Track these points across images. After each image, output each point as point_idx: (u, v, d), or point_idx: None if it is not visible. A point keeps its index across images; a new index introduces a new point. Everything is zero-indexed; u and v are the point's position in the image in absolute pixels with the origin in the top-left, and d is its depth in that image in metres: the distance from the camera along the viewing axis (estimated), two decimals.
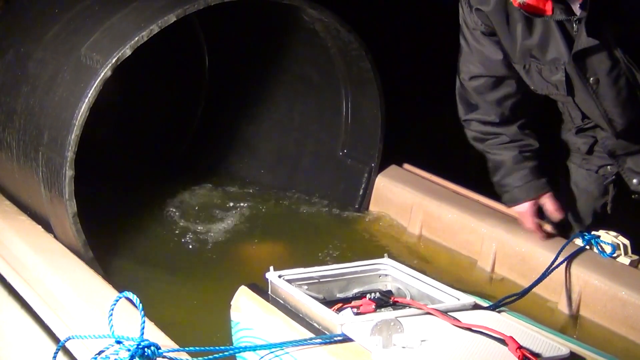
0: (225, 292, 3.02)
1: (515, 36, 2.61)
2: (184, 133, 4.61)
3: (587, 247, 2.92)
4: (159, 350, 2.05)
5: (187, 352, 2.15)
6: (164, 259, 3.39)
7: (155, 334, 2.29)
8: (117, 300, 2.14)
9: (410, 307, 2.37)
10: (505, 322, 2.29)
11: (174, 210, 3.78)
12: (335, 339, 2.19)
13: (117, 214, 3.70)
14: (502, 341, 2.11)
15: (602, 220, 3.08)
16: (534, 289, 2.83)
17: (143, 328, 2.06)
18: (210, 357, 2.10)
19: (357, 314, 2.35)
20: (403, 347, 2.10)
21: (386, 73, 3.65)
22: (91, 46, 3.15)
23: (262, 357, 2.20)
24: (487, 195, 3.33)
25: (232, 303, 2.47)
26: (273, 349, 2.17)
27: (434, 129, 4.42)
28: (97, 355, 2.06)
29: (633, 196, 2.91)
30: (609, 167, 3.00)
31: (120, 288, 2.90)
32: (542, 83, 2.68)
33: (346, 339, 2.19)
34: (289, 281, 2.48)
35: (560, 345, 2.16)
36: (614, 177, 3.01)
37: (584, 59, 2.51)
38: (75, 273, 2.77)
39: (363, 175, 3.80)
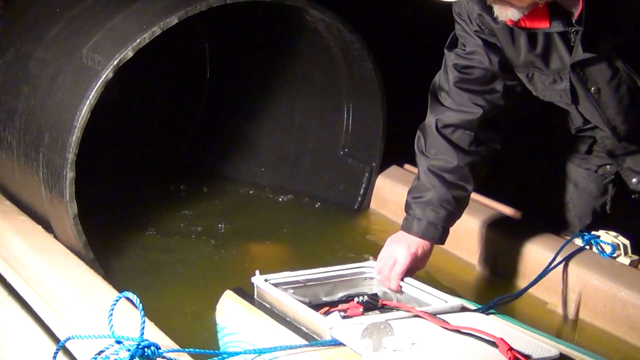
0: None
1: (519, 48, 2.60)
2: (184, 132, 4.61)
3: (587, 247, 2.91)
4: (159, 350, 2.05)
5: (187, 353, 2.15)
6: (164, 259, 3.39)
7: (155, 334, 2.28)
8: (117, 300, 2.14)
9: (398, 310, 2.36)
10: (494, 324, 2.28)
11: (174, 210, 3.78)
12: (325, 342, 2.18)
13: (118, 214, 3.70)
14: (492, 343, 2.10)
15: (602, 220, 3.07)
16: (534, 290, 2.83)
17: (143, 328, 2.06)
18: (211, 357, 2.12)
19: (344, 317, 2.34)
20: (394, 350, 2.09)
21: (388, 73, 3.65)
22: (93, 47, 3.15)
23: None
24: (487, 196, 3.33)
25: (217, 307, 2.46)
26: (263, 354, 2.16)
27: None
28: (97, 355, 2.06)
29: (633, 196, 2.90)
30: (608, 166, 2.99)
31: (120, 288, 2.91)
32: (546, 91, 2.67)
33: (336, 343, 2.18)
34: (275, 285, 2.47)
35: (550, 346, 2.16)
36: (613, 176, 3.00)
37: (583, 69, 2.50)
38: (75, 273, 2.76)
39: (364, 175, 3.81)
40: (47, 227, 3.15)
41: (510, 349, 2.06)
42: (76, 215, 3.01)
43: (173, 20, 3.08)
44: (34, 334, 2.59)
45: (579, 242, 2.93)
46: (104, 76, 3.01)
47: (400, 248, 2.64)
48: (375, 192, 3.79)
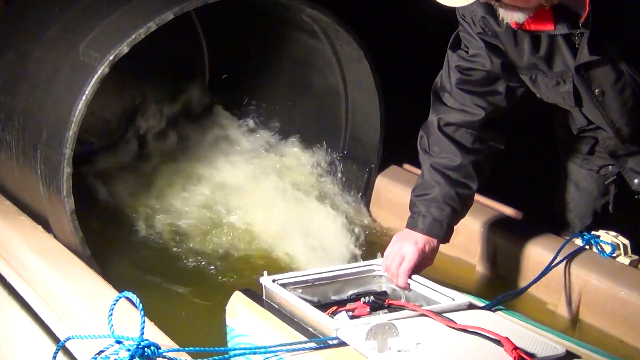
0: (225, 292, 3.03)
1: (522, 51, 2.58)
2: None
3: (587, 247, 2.90)
4: (159, 350, 2.05)
5: (187, 352, 2.15)
6: (164, 259, 3.39)
7: (155, 334, 2.29)
8: (117, 300, 2.14)
9: (405, 309, 2.37)
10: (501, 322, 2.29)
11: (174, 209, 3.77)
12: (331, 343, 2.19)
13: (118, 214, 3.69)
14: (497, 342, 2.11)
15: (602, 220, 3.08)
16: (534, 289, 2.83)
17: (143, 328, 2.06)
18: (211, 358, 2.11)
19: (352, 317, 2.34)
20: (399, 351, 2.09)
21: (386, 73, 3.64)
22: (89, 44, 3.15)
23: None
24: (487, 196, 3.33)
25: (226, 309, 2.46)
26: (268, 354, 2.16)
27: None
28: (97, 355, 2.06)
29: (637, 197, 2.89)
30: (610, 167, 2.98)
31: (119, 287, 2.90)
32: (549, 93, 2.65)
33: (341, 344, 2.18)
34: (283, 285, 2.47)
35: (556, 344, 2.16)
36: (614, 177, 3.00)
37: (587, 71, 2.48)
38: (75, 273, 2.76)
39: (363, 175, 3.81)
40: (47, 226, 3.15)
41: (515, 347, 2.06)
42: (73, 211, 3.01)
43: (168, 16, 3.07)
44: (34, 334, 2.60)
45: (578, 242, 2.93)
46: (99, 72, 3.01)
47: (407, 245, 2.64)
48: (375, 192, 3.78)
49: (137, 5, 3.21)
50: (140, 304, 2.09)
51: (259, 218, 3.61)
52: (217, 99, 4.44)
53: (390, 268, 2.60)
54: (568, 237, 2.97)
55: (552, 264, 2.80)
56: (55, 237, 3.10)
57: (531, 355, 2.07)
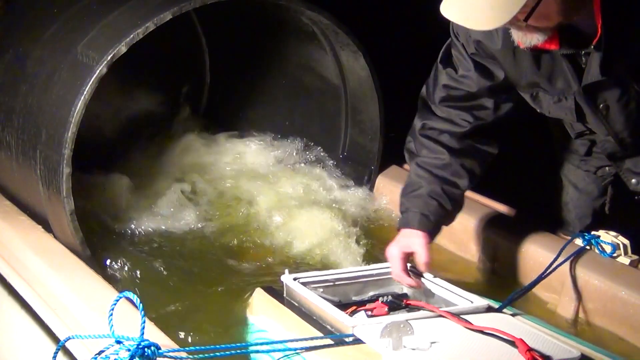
0: (224, 291, 3.04)
1: (522, 69, 2.57)
2: None
3: (587, 247, 2.91)
4: (159, 350, 2.06)
5: (187, 352, 2.15)
6: (164, 258, 3.39)
7: (155, 334, 2.29)
8: (117, 300, 2.14)
9: (422, 310, 2.40)
10: (517, 325, 2.31)
11: (174, 209, 3.77)
12: (347, 340, 2.23)
13: (118, 214, 3.69)
14: (512, 343, 2.13)
15: (602, 220, 3.08)
16: (534, 289, 2.84)
17: (143, 328, 2.07)
18: (211, 354, 2.12)
19: (370, 316, 2.38)
20: (413, 349, 2.12)
21: (385, 73, 3.64)
22: (87, 44, 3.16)
23: (274, 358, 2.22)
24: (487, 196, 3.33)
25: (248, 305, 2.51)
26: (287, 351, 2.19)
27: None
28: (97, 355, 2.07)
29: (636, 197, 2.89)
30: (607, 168, 2.98)
31: (119, 287, 2.91)
32: (551, 108, 2.64)
33: (357, 341, 2.22)
34: (304, 284, 2.50)
35: (572, 348, 2.17)
36: (612, 177, 3.00)
37: (594, 89, 2.48)
38: (75, 273, 2.76)
39: (363, 176, 3.81)
40: (47, 226, 3.15)
41: (529, 349, 2.09)
42: (73, 211, 3.01)
43: (167, 16, 3.08)
44: (34, 334, 2.60)
45: (579, 242, 2.93)
46: (98, 71, 3.01)
47: (393, 248, 2.66)
48: (375, 193, 3.79)
49: (135, 6, 3.22)
50: (141, 304, 2.10)
51: (261, 220, 3.63)
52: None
53: (394, 272, 2.62)
54: (568, 237, 2.97)
55: (557, 263, 2.80)
56: (55, 237, 3.10)
57: (545, 357, 2.09)
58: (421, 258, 2.60)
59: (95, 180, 3.79)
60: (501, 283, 3.10)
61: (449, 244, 3.09)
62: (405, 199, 2.75)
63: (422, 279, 2.63)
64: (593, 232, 2.94)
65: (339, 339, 2.23)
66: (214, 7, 3.22)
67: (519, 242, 3.07)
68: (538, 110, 2.70)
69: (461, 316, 2.31)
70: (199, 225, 3.61)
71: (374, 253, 3.33)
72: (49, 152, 3.07)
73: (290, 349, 2.19)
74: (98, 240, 3.27)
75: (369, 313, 2.42)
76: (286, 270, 2.55)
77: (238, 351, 2.29)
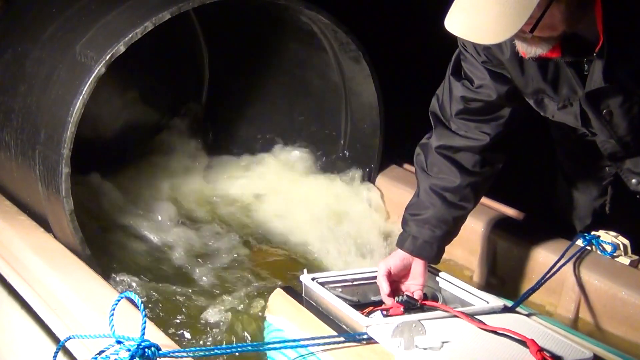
0: (224, 291, 3.04)
1: (529, 77, 2.56)
2: None
3: (588, 247, 2.91)
4: (160, 351, 2.06)
5: (187, 353, 2.15)
6: (164, 259, 3.39)
7: (155, 335, 2.29)
8: (118, 300, 2.14)
9: (437, 310, 2.42)
10: (531, 325, 2.33)
11: (174, 210, 3.77)
12: (359, 339, 2.25)
13: (117, 213, 3.69)
14: (523, 343, 2.14)
15: (602, 220, 3.08)
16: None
17: (144, 328, 2.07)
18: (211, 354, 2.12)
19: (386, 316, 2.41)
20: (425, 349, 2.14)
21: (385, 73, 3.64)
22: (86, 44, 3.15)
23: (289, 358, 2.24)
24: (487, 195, 3.33)
25: (267, 305, 2.53)
26: (298, 348, 2.20)
27: None
28: (97, 355, 2.07)
29: (638, 196, 2.89)
30: (607, 167, 2.98)
31: (119, 287, 2.91)
32: (556, 114, 2.63)
33: (371, 341, 2.24)
34: (323, 284, 2.52)
35: (585, 349, 2.19)
36: (612, 177, 3.00)
37: (597, 95, 2.48)
38: (75, 273, 2.76)
39: (363, 175, 3.81)
40: (47, 226, 3.15)
41: (540, 349, 2.10)
42: (72, 211, 3.01)
43: (165, 15, 3.08)
44: (34, 334, 2.60)
45: (579, 242, 2.93)
46: (96, 71, 3.01)
47: (384, 266, 2.62)
48: None
49: (134, 5, 3.22)
50: (142, 304, 2.10)
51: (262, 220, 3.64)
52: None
53: (382, 291, 2.60)
54: (570, 238, 2.97)
55: (561, 263, 2.80)
56: (55, 237, 3.10)
57: (557, 357, 2.11)
58: (417, 285, 2.60)
59: (94, 181, 3.80)
60: (501, 283, 3.10)
61: (450, 245, 3.07)
62: (410, 219, 2.71)
63: (440, 280, 2.65)
64: (593, 232, 2.94)
65: (352, 339, 2.26)
66: (213, 7, 3.22)
67: (520, 242, 3.08)
68: (542, 114, 2.70)
69: (475, 316, 2.33)
70: (199, 226, 3.62)
71: (374, 253, 3.33)
72: (48, 152, 3.07)
73: (302, 346, 2.21)
74: (98, 241, 3.27)
75: (385, 313, 2.45)
76: (304, 270, 2.57)
77: (238, 351, 2.29)
